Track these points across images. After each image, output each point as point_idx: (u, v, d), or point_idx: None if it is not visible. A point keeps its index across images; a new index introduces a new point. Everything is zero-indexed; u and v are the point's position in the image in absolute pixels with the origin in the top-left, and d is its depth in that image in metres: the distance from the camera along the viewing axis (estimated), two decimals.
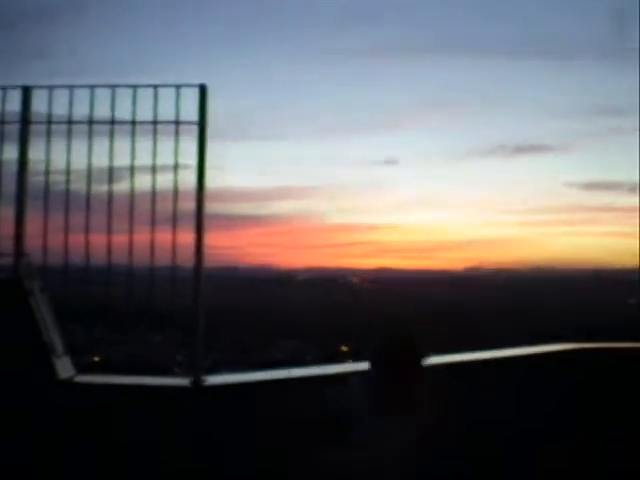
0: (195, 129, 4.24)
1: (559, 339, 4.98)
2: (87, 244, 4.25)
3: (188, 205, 4.28)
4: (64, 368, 4.18)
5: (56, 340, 4.21)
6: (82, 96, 4.30)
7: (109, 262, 4.25)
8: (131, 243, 4.24)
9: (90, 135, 4.29)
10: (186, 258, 4.24)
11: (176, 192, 4.24)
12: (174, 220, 4.22)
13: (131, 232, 4.25)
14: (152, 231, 4.23)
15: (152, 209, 4.24)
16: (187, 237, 4.26)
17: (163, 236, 4.25)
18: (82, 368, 4.35)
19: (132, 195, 4.25)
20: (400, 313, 3.68)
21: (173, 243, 4.22)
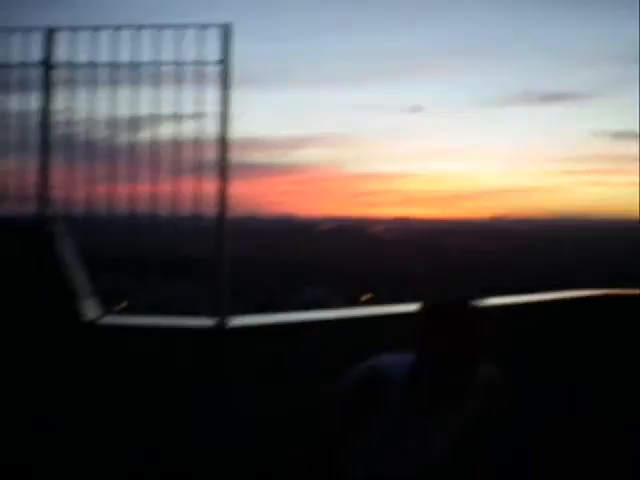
0: (218, 73, 4.20)
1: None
2: (111, 193, 4.26)
3: (211, 154, 4.26)
4: (90, 310, 4.22)
5: (81, 282, 4.25)
6: (105, 39, 4.27)
7: (132, 211, 4.26)
8: (154, 192, 4.24)
9: (113, 80, 4.26)
10: (210, 207, 4.24)
11: (199, 140, 4.22)
12: (196, 169, 4.20)
13: (154, 181, 4.25)
14: (175, 180, 4.23)
15: (175, 157, 4.22)
16: (210, 186, 4.25)
17: (186, 185, 4.25)
18: (111, 313, 4.40)
19: (155, 144, 4.24)
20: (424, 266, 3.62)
21: (196, 192, 4.22)
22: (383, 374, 2.17)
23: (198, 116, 4.21)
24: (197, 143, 4.22)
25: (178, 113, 4.20)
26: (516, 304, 4.54)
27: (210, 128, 4.22)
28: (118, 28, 4.24)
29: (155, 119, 4.25)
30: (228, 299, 4.19)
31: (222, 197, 4.19)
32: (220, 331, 4.12)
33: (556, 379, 4.17)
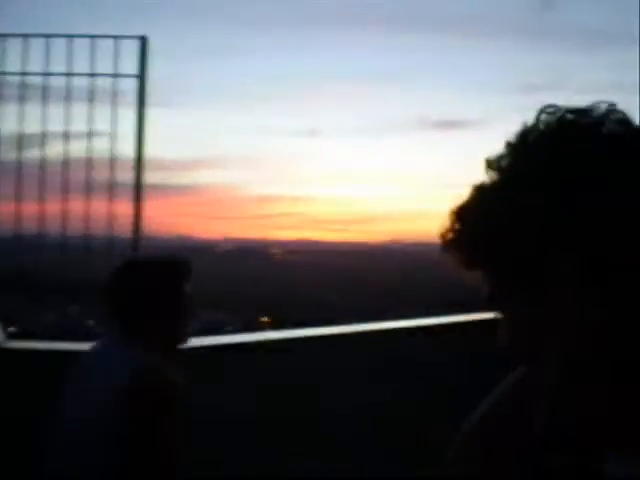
0: (135, 88, 4.07)
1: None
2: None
3: (103, 174, 4.11)
4: None
5: None
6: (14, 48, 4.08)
7: (18, 231, 4.08)
8: (42, 212, 4.10)
9: (22, 89, 4.08)
10: (100, 226, 4.10)
11: (113, 159, 4.07)
12: (87, 189, 4.07)
13: (41, 199, 4.10)
14: (64, 199, 4.08)
15: (63, 176, 4.09)
16: (100, 206, 4.10)
17: (77, 205, 4.10)
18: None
19: (43, 162, 4.10)
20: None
21: (86, 212, 4.08)
22: None
23: (112, 125, 4.07)
24: (91, 161, 4.08)
25: (90, 130, 4.05)
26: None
27: (120, 146, 4.10)
28: (26, 36, 4.06)
29: (64, 136, 4.08)
30: None
31: (136, 218, 4.05)
32: None
33: None
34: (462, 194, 1.11)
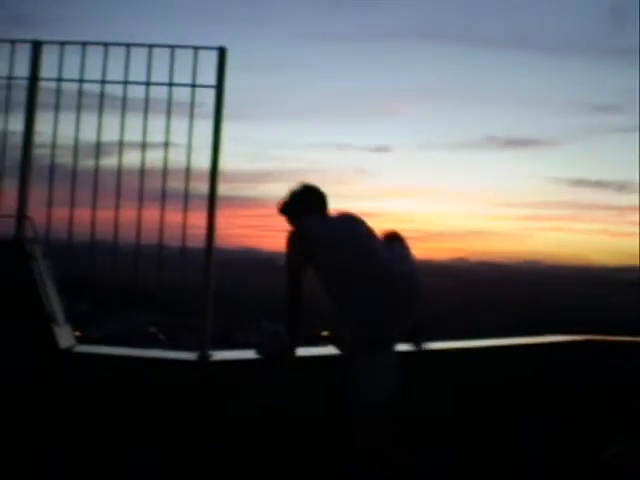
0: (213, 99, 4.07)
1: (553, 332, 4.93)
2: (71, 218, 4.09)
3: (178, 184, 4.11)
4: (65, 337, 4.01)
5: (57, 307, 4.05)
6: (94, 56, 4.12)
7: (92, 237, 4.09)
8: (117, 219, 4.09)
9: (101, 98, 4.11)
10: (175, 236, 4.09)
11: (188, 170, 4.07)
12: (162, 197, 4.07)
13: (117, 207, 4.09)
14: (139, 208, 4.07)
15: (140, 185, 4.09)
16: (176, 216, 4.09)
17: (150, 214, 4.10)
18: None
19: (119, 170, 4.11)
20: None
21: (161, 222, 4.06)
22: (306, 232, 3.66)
23: (189, 137, 4.07)
24: (170, 171, 4.07)
25: (167, 140, 4.06)
26: (508, 346, 4.47)
27: (196, 157, 4.09)
28: (107, 44, 4.10)
29: (142, 145, 4.09)
30: (210, 332, 4.03)
31: (210, 229, 4.04)
32: (203, 364, 3.94)
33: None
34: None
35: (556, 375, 4.31)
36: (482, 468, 3.99)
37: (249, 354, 4.08)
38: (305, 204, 3.87)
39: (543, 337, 4.74)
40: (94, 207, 4.10)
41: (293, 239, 3.69)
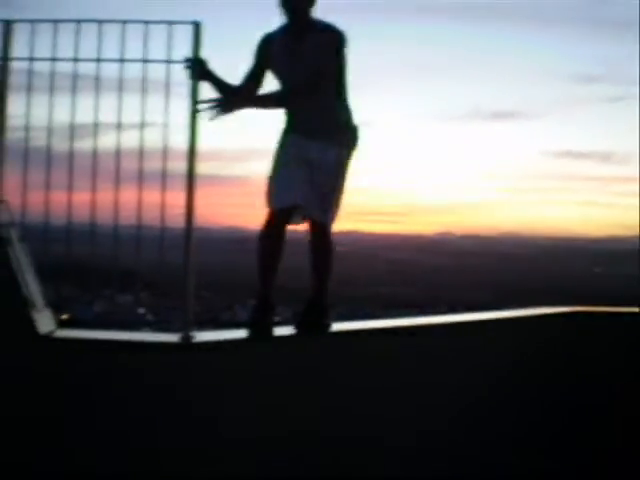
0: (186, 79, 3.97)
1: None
2: (47, 201, 4.02)
3: (156, 164, 4.04)
4: (44, 322, 3.94)
5: (35, 292, 3.98)
6: (67, 35, 4.01)
7: (69, 220, 4.04)
8: (94, 201, 4.03)
9: (74, 78, 4.01)
10: (153, 217, 4.03)
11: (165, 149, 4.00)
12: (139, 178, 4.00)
13: (94, 190, 4.02)
14: (116, 189, 4.00)
15: (116, 166, 4.02)
16: (153, 196, 4.03)
17: (127, 195, 4.05)
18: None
19: (95, 151, 4.04)
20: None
21: (139, 202, 4.00)
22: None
23: (158, 124, 3.99)
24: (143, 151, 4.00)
25: (143, 120, 3.98)
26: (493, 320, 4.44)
27: (175, 136, 4.01)
28: (79, 21, 3.99)
29: (117, 125, 4.00)
30: (192, 313, 3.97)
31: (189, 208, 3.96)
32: (186, 346, 3.88)
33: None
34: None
35: (545, 348, 4.27)
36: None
37: (234, 334, 4.03)
38: None
39: (530, 310, 4.71)
40: (70, 189, 4.02)
41: None
